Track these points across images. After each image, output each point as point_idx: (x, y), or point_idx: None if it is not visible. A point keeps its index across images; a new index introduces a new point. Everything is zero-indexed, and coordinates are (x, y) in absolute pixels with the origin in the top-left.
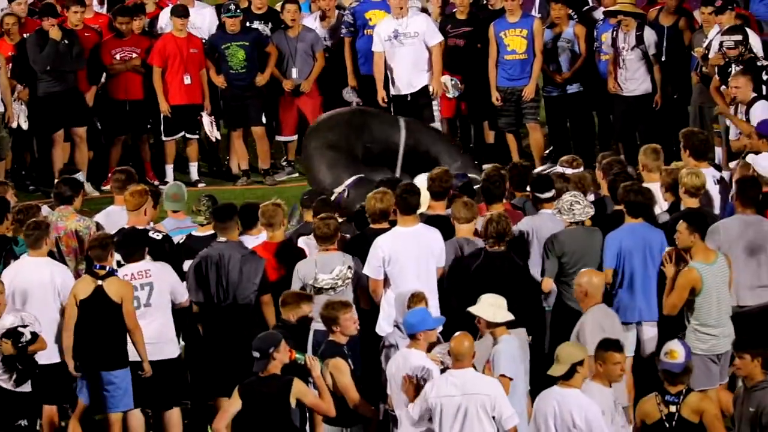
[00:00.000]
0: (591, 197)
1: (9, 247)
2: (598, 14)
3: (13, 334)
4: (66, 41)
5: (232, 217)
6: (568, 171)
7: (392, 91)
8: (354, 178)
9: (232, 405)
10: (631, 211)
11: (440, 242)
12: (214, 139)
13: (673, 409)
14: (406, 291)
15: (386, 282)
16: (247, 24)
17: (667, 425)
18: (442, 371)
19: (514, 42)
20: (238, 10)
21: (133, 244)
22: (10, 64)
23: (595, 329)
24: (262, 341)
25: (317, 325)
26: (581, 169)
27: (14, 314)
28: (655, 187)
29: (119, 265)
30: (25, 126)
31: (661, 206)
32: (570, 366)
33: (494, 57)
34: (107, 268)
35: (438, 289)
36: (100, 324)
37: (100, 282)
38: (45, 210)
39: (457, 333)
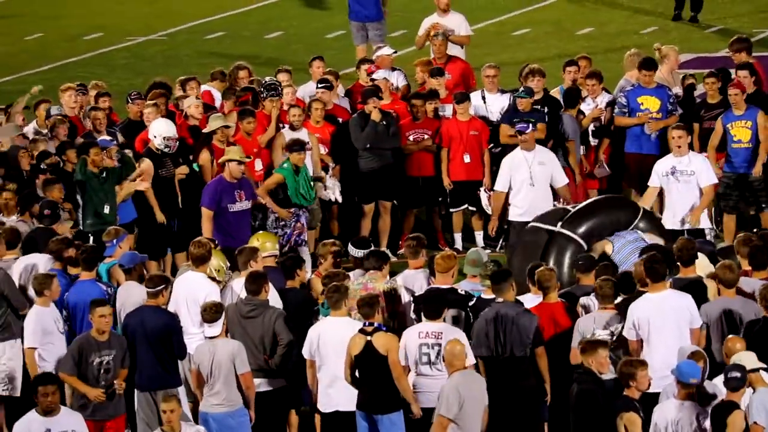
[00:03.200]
0: None
1: (316, 309)
2: None
3: None
4: (384, 122)
5: (507, 279)
6: None
7: (668, 225)
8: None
9: None
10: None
11: (692, 307)
12: (490, 212)
13: None
14: (660, 351)
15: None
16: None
17: None
18: None
19: (740, 133)
20: (531, 91)
21: (435, 303)
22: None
23: (452, 394)
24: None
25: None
26: None
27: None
28: None
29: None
30: (340, 199)
31: None
32: None
33: (715, 144)
34: (375, 324)
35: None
36: (373, 374)
37: (369, 338)
38: (358, 273)
39: None
